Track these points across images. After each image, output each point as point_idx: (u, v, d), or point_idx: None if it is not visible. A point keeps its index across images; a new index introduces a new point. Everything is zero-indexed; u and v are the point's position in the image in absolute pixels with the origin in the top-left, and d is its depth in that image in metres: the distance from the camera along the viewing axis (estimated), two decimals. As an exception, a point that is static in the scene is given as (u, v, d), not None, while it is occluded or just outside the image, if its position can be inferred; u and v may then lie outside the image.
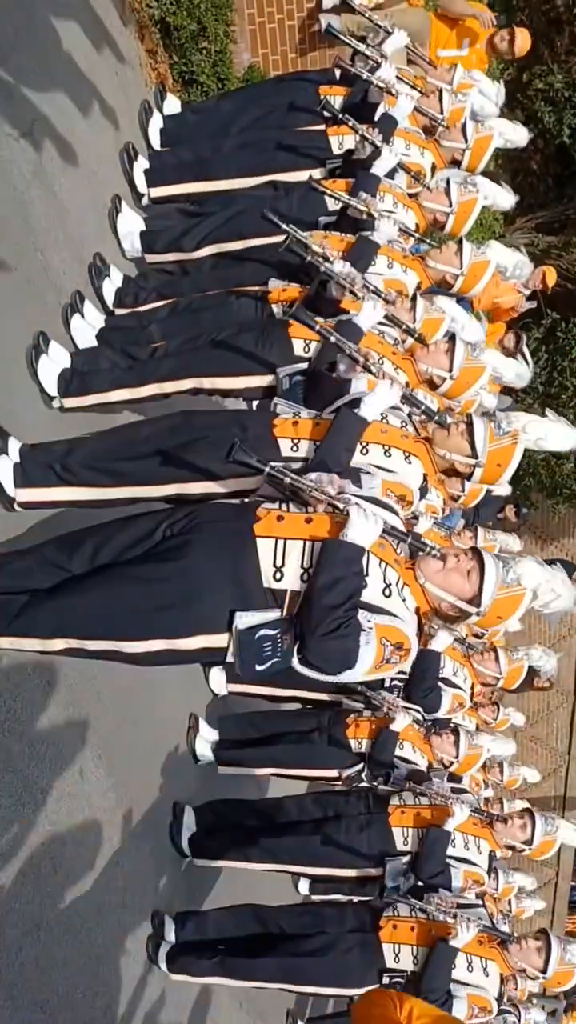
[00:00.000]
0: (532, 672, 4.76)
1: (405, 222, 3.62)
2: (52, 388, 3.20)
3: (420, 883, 3.52)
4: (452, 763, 4.11)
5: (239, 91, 4.79)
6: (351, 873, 3.84)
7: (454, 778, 4.37)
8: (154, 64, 4.69)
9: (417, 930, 3.25)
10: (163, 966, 3.50)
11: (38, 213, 3.31)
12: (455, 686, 4.14)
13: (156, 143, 4.31)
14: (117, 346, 3.41)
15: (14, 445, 2.86)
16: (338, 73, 4.06)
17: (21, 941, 2.62)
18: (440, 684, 3.94)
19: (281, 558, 2.17)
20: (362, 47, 3.83)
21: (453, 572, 2.44)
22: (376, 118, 3.72)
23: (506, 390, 5.31)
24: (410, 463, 2.73)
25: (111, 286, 3.73)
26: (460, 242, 3.70)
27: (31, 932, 2.68)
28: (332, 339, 2.74)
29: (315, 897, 4.82)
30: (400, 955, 3.26)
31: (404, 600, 2.30)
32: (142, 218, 4.03)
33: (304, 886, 5.16)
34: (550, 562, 6.64)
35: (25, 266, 3.20)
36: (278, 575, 2.17)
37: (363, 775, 3.92)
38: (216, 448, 2.60)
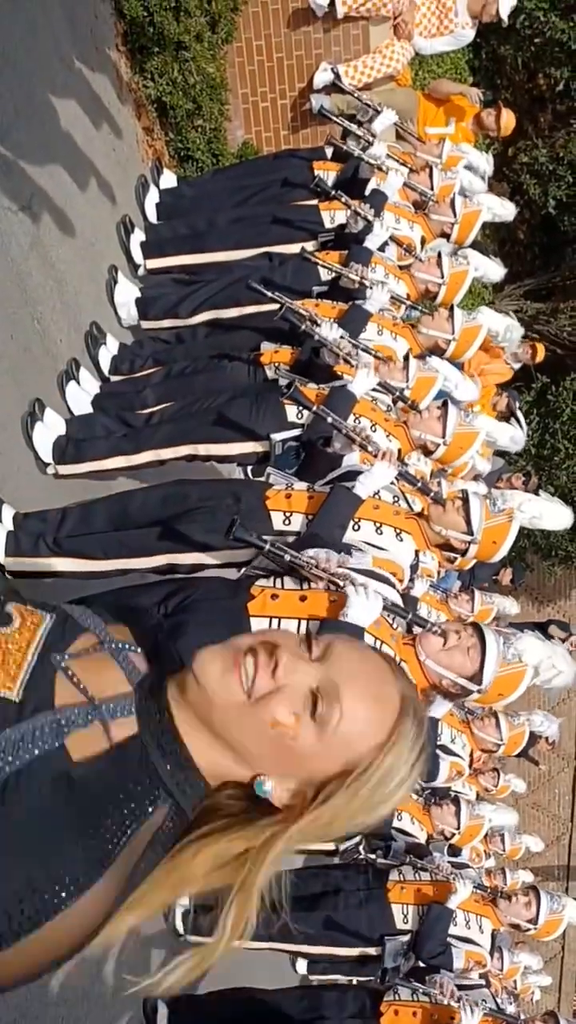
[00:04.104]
0: (534, 737, 4.68)
1: (396, 291, 3.68)
2: (47, 455, 3.20)
3: (420, 963, 3.39)
4: (454, 835, 4.00)
5: (234, 167, 4.93)
6: (349, 952, 3.70)
7: (454, 851, 4.25)
8: (150, 141, 4.83)
9: (420, 1016, 3.12)
10: None
11: (35, 283, 3.37)
12: (453, 754, 4.06)
13: (152, 216, 4.41)
14: (112, 412, 3.43)
15: (8, 512, 2.85)
16: (329, 151, 4.18)
17: (5, 1032, 2.50)
18: (438, 752, 3.86)
19: None
20: (352, 127, 3.95)
21: (454, 649, 2.40)
22: (367, 193, 3.82)
23: (499, 453, 5.34)
24: (401, 540, 2.72)
25: (107, 354, 3.77)
26: (451, 308, 3.77)
27: (17, 1022, 2.56)
28: (329, 420, 2.76)
29: (313, 978, 4.64)
30: (403, 1043, 3.12)
31: None
32: (138, 288, 4.10)
33: (302, 966, 4.97)
34: (544, 625, 6.61)
35: (22, 334, 3.23)
36: None
37: (361, 848, 3.81)
38: (209, 520, 2.59)
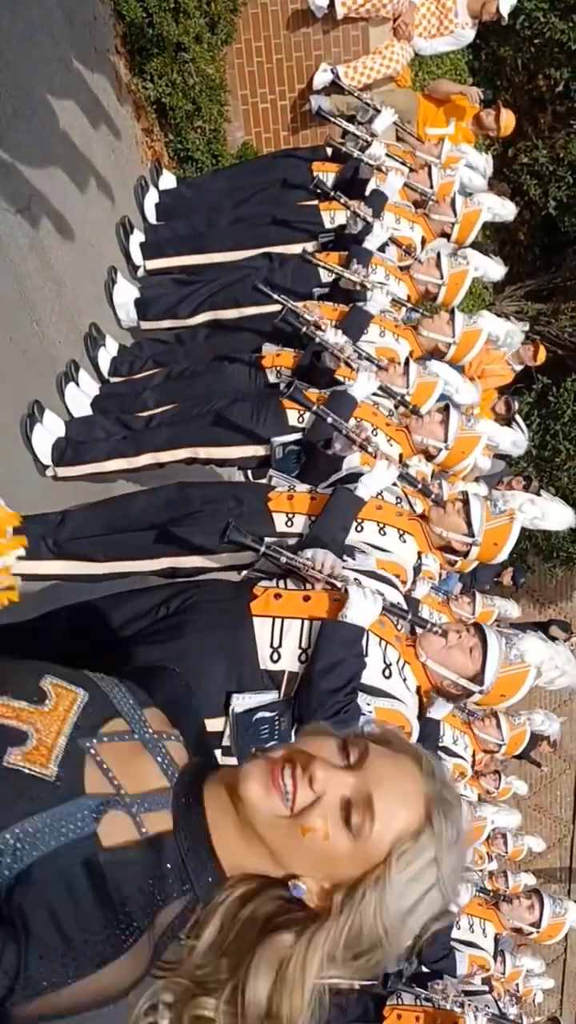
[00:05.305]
0: (536, 737, 4.66)
1: (397, 293, 3.67)
2: (46, 457, 3.19)
3: (424, 968, 3.37)
4: (455, 837, 3.98)
5: (233, 167, 4.92)
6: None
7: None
8: (150, 142, 4.81)
9: (423, 1021, 3.10)
10: None
11: (34, 284, 3.35)
12: (455, 755, 4.04)
13: (152, 217, 4.40)
14: (112, 414, 3.41)
15: (6, 515, 2.83)
16: (329, 151, 4.17)
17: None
18: (440, 753, 3.84)
19: (279, 638, 2.12)
20: (352, 127, 3.94)
21: (455, 649, 2.38)
22: (367, 194, 3.80)
23: (500, 456, 5.32)
24: (404, 541, 2.70)
25: (106, 355, 3.76)
26: (452, 311, 3.75)
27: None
28: (329, 420, 2.74)
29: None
30: (405, 1048, 3.10)
31: (405, 680, 2.24)
32: (137, 288, 4.09)
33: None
34: (546, 626, 6.59)
35: (20, 336, 3.22)
36: (275, 656, 2.11)
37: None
38: (211, 523, 2.58)
